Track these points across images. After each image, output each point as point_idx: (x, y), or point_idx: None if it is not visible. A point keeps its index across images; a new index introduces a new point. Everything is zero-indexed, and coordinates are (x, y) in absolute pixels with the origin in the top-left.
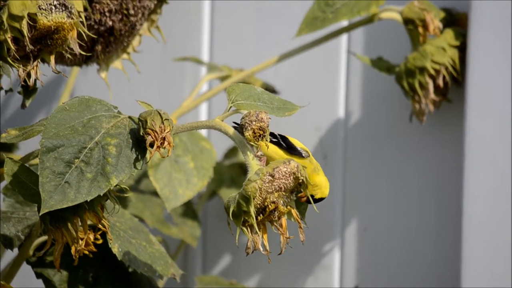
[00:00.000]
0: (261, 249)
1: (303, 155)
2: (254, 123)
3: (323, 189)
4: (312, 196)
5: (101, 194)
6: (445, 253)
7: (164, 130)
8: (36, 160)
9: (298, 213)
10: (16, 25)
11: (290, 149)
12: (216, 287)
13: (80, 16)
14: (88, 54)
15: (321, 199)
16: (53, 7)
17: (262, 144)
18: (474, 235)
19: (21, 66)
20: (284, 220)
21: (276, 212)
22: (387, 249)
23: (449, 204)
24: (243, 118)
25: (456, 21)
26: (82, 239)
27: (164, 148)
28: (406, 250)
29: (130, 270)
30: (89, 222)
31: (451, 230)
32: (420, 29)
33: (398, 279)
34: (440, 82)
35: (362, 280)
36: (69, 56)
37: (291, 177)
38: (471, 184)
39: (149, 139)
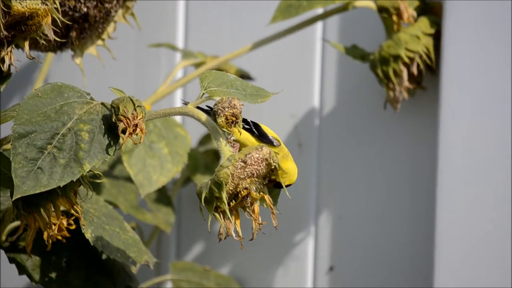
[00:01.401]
0: (234, 235)
1: (274, 143)
2: (226, 109)
3: (291, 176)
4: (278, 182)
5: (74, 180)
6: (419, 242)
7: (137, 117)
8: (9, 146)
9: (270, 199)
10: None
11: (262, 136)
12: (190, 273)
13: (55, 3)
14: (63, 40)
15: (288, 185)
16: None
17: (234, 131)
18: (447, 222)
19: None
20: (256, 206)
21: (248, 198)
22: (362, 237)
23: (423, 192)
24: (215, 104)
25: (431, 10)
26: (55, 224)
27: (137, 134)
28: (380, 238)
29: (103, 256)
30: (62, 208)
31: (425, 218)
32: (394, 17)
33: (372, 267)
34: (414, 70)
35: (335, 268)
36: (44, 42)
37: (264, 163)
38: (445, 172)
39: (121, 125)
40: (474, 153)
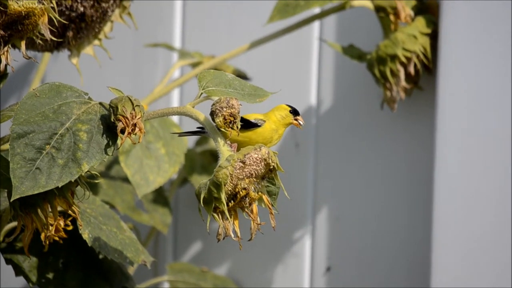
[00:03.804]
0: (232, 235)
1: (259, 124)
2: (225, 109)
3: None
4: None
5: (72, 180)
6: (416, 242)
7: (135, 117)
8: (6, 146)
9: (269, 199)
10: None
11: (247, 125)
12: (187, 274)
13: (51, 2)
14: (59, 40)
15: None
16: None
17: (233, 132)
18: (444, 221)
19: None
20: (255, 206)
21: (247, 199)
22: (359, 237)
23: (420, 191)
24: (213, 104)
25: (427, 9)
26: (52, 225)
27: (135, 134)
28: (377, 239)
29: (100, 256)
30: (59, 208)
31: (422, 217)
32: (392, 17)
33: (370, 267)
34: (411, 69)
35: (332, 269)
36: (40, 41)
37: (262, 163)
38: (442, 172)
39: (120, 125)
40: (471, 153)
